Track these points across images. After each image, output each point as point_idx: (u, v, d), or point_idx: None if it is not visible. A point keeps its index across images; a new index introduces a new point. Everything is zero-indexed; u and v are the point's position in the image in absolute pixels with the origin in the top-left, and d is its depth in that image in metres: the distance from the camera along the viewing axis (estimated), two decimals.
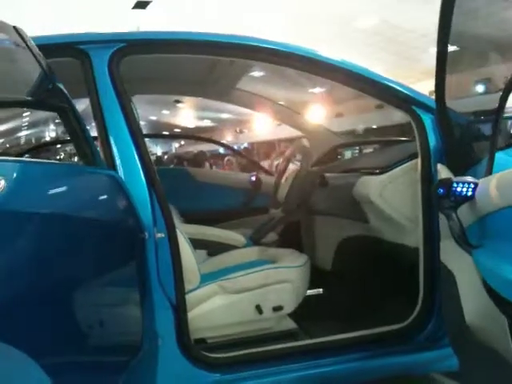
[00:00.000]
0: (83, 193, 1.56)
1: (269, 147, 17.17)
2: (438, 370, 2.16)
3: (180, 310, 1.80)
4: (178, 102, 17.28)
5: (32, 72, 1.53)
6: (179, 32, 2.09)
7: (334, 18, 13.13)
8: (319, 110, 22.79)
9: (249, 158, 7.55)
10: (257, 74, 16.34)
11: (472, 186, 1.42)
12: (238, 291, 2.07)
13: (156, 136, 14.61)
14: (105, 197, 1.65)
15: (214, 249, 2.59)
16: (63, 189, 1.49)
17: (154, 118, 21.03)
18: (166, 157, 16.37)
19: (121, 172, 1.77)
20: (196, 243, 2.46)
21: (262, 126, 16.16)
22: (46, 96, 1.59)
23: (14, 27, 1.54)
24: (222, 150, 16.43)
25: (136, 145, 1.81)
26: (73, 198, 1.50)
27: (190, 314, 1.91)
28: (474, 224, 1.44)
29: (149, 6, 13.36)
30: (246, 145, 19.88)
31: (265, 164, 6.67)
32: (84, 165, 1.66)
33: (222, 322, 2.06)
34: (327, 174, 2.73)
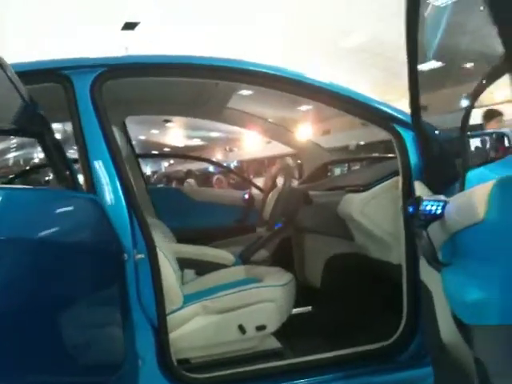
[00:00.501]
0: (62, 217, 1.58)
1: (259, 165, 17.27)
2: None
3: (161, 330, 1.79)
4: (167, 121, 17.35)
5: (10, 99, 1.53)
6: (157, 56, 2.12)
7: (321, 37, 13.29)
8: (307, 128, 23.03)
9: (241, 175, 7.59)
10: (245, 92, 16.53)
11: (441, 204, 1.42)
12: (221, 311, 2.06)
13: (145, 156, 14.65)
14: (84, 220, 1.65)
15: (202, 268, 2.57)
16: (43, 214, 1.52)
17: (142, 137, 21.07)
18: (155, 176, 16.41)
19: (101, 195, 1.77)
20: (184, 262, 2.48)
21: (251, 144, 16.23)
22: (23, 123, 1.59)
23: None
24: (211, 169, 16.48)
25: (116, 168, 1.82)
26: (52, 222, 1.52)
27: (173, 335, 1.91)
28: (446, 242, 1.44)
29: (137, 27, 13.46)
30: (235, 163, 19.94)
31: (259, 182, 6.70)
32: (63, 189, 1.66)
33: (205, 343, 2.04)
34: (312, 192, 2.75)
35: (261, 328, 2.07)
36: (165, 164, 26.50)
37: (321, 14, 12.16)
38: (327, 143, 16.48)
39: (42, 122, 1.62)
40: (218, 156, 23.24)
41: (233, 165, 18.63)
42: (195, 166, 16.86)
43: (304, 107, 19.99)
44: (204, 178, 12.90)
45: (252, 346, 2.10)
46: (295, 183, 3.39)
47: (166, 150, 21.50)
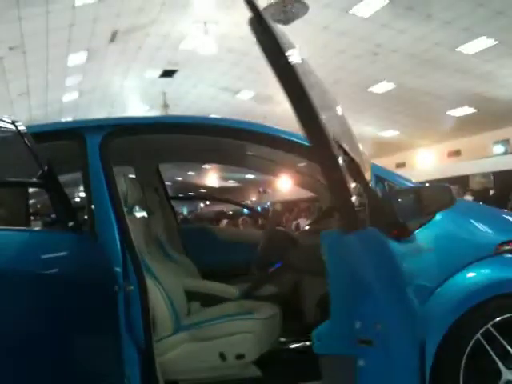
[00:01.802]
0: (65, 256, 1.94)
1: (291, 206, 17.45)
2: None
3: (147, 354, 2.04)
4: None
5: (23, 157, 1.90)
6: (157, 116, 2.48)
7: (351, 84, 13.61)
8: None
9: (262, 216, 7.82)
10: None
11: None
12: (205, 339, 2.30)
13: (176, 198, 15.06)
14: (81, 257, 1.99)
15: (207, 300, 2.86)
16: (49, 253, 1.87)
17: (179, 178, 21.71)
18: (190, 216, 16.89)
19: (100, 234, 2.10)
20: (192, 295, 2.82)
21: (284, 186, 16.50)
22: (33, 177, 1.96)
23: (12, 121, 1.95)
24: (245, 210, 16.79)
25: (115, 212, 2.15)
26: (56, 260, 1.87)
27: (163, 358, 2.17)
28: None
29: (175, 75, 14.16)
30: (268, 204, 20.22)
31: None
32: (65, 231, 2.01)
33: (191, 367, 2.29)
34: (296, 233, 2.97)
35: (240, 357, 2.29)
36: (201, 205, 27.05)
37: (349, 65, 12.53)
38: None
39: (49, 175, 1.99)
40: (252, 197, 23.61)
41: (266, 206, 18.92)
42: (229, 207, 17.25)
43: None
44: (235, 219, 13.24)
45: (233, 372, 2.33)
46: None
47: (202, 191, 22.03)
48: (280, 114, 15.66)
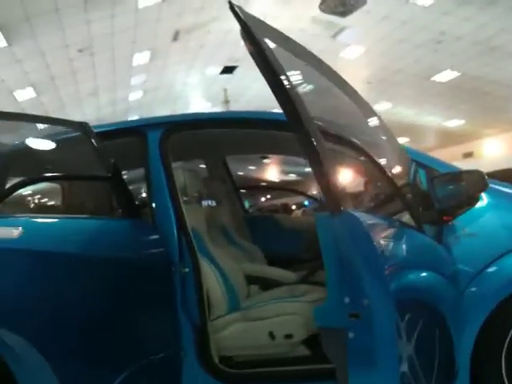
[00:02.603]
0: (128, 241, 2.20)
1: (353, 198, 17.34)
2: None
3: (201, 330, 2.24)
4: (264, 157, 18.00)
5: (90, 154, 2.14)
6: (208, 113, 2.68)
7: (413, 74, 13.36)
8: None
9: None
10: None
11: None
12: (256, 319, 2.45)
13: (246, 188, 15.32)
14: (144, 243, 2.25)
15: (266, 284, 3.04)
16: (114, 239, 2.15)
17: (241, 173, 21.98)
18: (250, 209, 17.14)
19: (160, 223, 2.32)
20: (252, 279, 3.04)
21: (345, 178, 16.39)
22: (98, 171, 2.24)
23: (80, 123, 2.27)
24: (306, 203, 16.85)
25: (172, 201, 2.37)
26: (120, 245, 2.15)
27: (217, 336, 2.35)
28: None
29: (235, 71, 14.39)
30: None
31: None
32: (127, 218, 2.29)
33: (243, 345, 2.43)
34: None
35: (288, 336, 2.41)
36: (262, 199, 27.30)
37: (410, 54, 12.30)
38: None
39: (112, 169, 2.27)
40: (313, 191, 23.50)
41: None
42: (292, 200, 17.36)
43: (402, 139, 19.88)
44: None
45: (282, 351, 2.44)
46: None
47: (262, 184, 22.23)
48: None
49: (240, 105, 15.93)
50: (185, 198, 2.70)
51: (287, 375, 2.31)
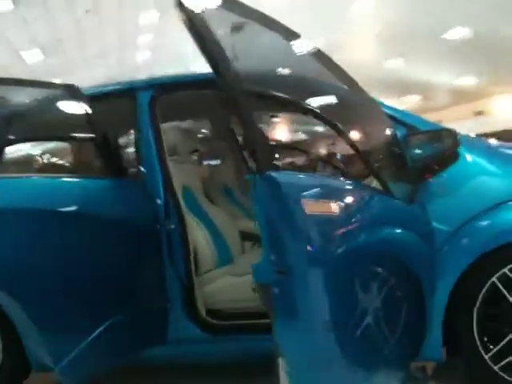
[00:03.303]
0: (115, 198, 2.34)
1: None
2: None
3: (187, 283, 2.35)
4: (273, 116, 17.94)
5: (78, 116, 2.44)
6: (199, 74, 2.70)
7: (423, 30, 13.09)
8: None
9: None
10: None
11: None
12: (242, 274, 2.51)
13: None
14: (131, 200, 2.38)
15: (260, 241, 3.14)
16: (102, 196, 2.30)
17: None
18: None
19: (146, 181, 2.43)
20: (247, 236, 3.16)
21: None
22: (86, 132, 2.50)
23: (69, 85, 2.55)
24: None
25: (159, 161, 2.45)
26: (108, 202, 2.29)
27: (204, 289, 2.47)
28: None
29: (243, 28, 14.15)
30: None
31: None
32: (115, 178, 2.45)
33: (229, 298, 2.53)
34: None
35: None
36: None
37: (421, 10, 12.03)
38: None
39: (100, 131, 2.44)
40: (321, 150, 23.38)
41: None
42: (299, 160, 17.34)
43: (411, 97, 19.65)
44: None
45: None
46: None
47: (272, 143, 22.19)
48: (350, 62, 15.38)
49: (248, 62, 15.69)
50: (175, 157, 2.81)
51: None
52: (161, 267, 2.32)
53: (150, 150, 2.46)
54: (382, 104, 2.47)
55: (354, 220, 1.85)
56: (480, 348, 2.15)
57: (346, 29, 13.50)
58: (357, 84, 2.33)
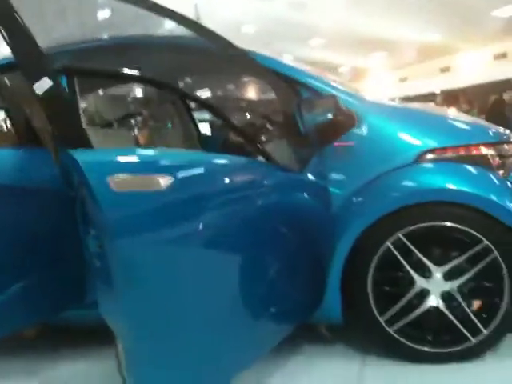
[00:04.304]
0: (30, 167, 2.30)
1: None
2: None
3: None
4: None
5: None
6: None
7: None
8: (383, 75, 22.52)
9: None
10: (317, 41, 16.24)
11: None
12: None
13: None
14: (46, 167, 2.28)
15: None
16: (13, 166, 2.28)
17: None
18: None
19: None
20: None
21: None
22: None
23: None
24: None
25: None
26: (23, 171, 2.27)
27: None
28: None
29: None
30: None
31: None
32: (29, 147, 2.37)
33: None
34: None
35: None
36: None
37: None
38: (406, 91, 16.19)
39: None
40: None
41: None
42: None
43: (379, 53, 19.63)
44: None
45: None
46: None
47: None
48: (315, 20, 15.17)
49: (212, 22, 15.35)
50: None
51: None
52: (76, 232, 2.22)
53: None
54: (286, 67, 2.42)
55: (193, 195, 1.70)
56: (375, 311, 2.20)
57: None
58: (237, 48, 2.23)
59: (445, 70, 19.11)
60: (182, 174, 1.66)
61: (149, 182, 1.57)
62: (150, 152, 1.91)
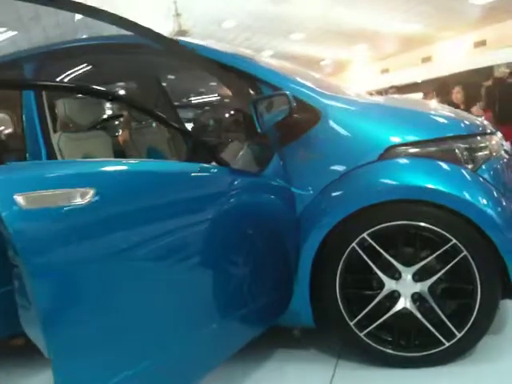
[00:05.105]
0: None
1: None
2: None
3: None
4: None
5: None
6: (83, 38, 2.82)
7: None
8: (364, 67, 22.52)
9: None
10: (297, 36, 16.18)
11: None
12: None
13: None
14: None
15: None
16: None
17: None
18: None
19: (30, 155, 2.48)
20: None
21: None
22: None
23: None
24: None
25: (43, 135, 2.50)
26: None
27: None
28: None
29: None
30: None
31: None
32: None
33: None
34: None
35: None
36: None
37: None
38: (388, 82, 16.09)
39: None
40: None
41: None
42: None
43: (361, 46, 19.59)
44: None
45: None
46: None
47: None
48: (296, 14, 15.09)
49: (192, 17, 15.21)
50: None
51: None
52: None
53: (32, 122, 2.46)
54: (246, 63, 2.34)
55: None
56: (345, 314, 2.15)
57: None
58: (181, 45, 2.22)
59: (426, 59, 19.10)
60: (105, 187, 1.53)
61: (64, 197, 1.44)
62: (67, 164, 1.75)
